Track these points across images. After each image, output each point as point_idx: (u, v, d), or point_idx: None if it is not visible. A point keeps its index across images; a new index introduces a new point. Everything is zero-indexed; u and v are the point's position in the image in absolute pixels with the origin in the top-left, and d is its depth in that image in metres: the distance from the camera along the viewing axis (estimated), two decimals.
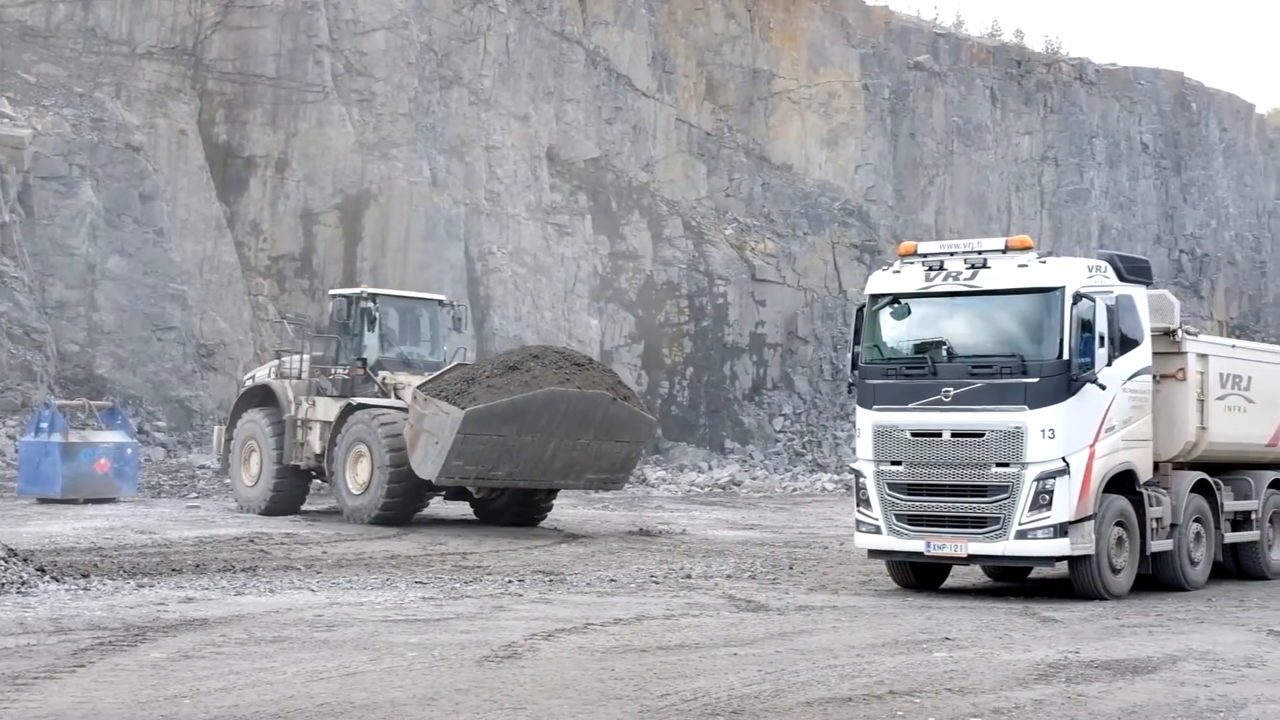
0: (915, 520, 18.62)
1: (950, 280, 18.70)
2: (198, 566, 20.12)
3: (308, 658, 12.89)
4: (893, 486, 18.74)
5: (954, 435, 18.35)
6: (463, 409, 25.80)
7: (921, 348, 18.93)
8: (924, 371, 18.62)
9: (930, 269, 18.89)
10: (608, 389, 27.57)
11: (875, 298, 19.31)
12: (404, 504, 27.68)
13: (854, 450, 19.87)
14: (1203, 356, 20.55)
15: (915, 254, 19.31)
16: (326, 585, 18.54)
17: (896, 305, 19.14)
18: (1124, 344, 18.66)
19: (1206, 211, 72.03)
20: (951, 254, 19.04)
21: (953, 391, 18.32)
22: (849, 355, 19.66)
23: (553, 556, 23.48)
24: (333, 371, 29.74)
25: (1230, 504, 21.05)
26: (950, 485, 18.39)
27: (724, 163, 55.65)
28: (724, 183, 55.49)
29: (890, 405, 18.81)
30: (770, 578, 20.94)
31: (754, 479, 45.74)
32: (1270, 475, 22.10)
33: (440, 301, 31.64)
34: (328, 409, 29.09)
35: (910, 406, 18.63)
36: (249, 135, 42.97)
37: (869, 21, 61.23)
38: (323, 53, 43.81)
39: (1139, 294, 19.36)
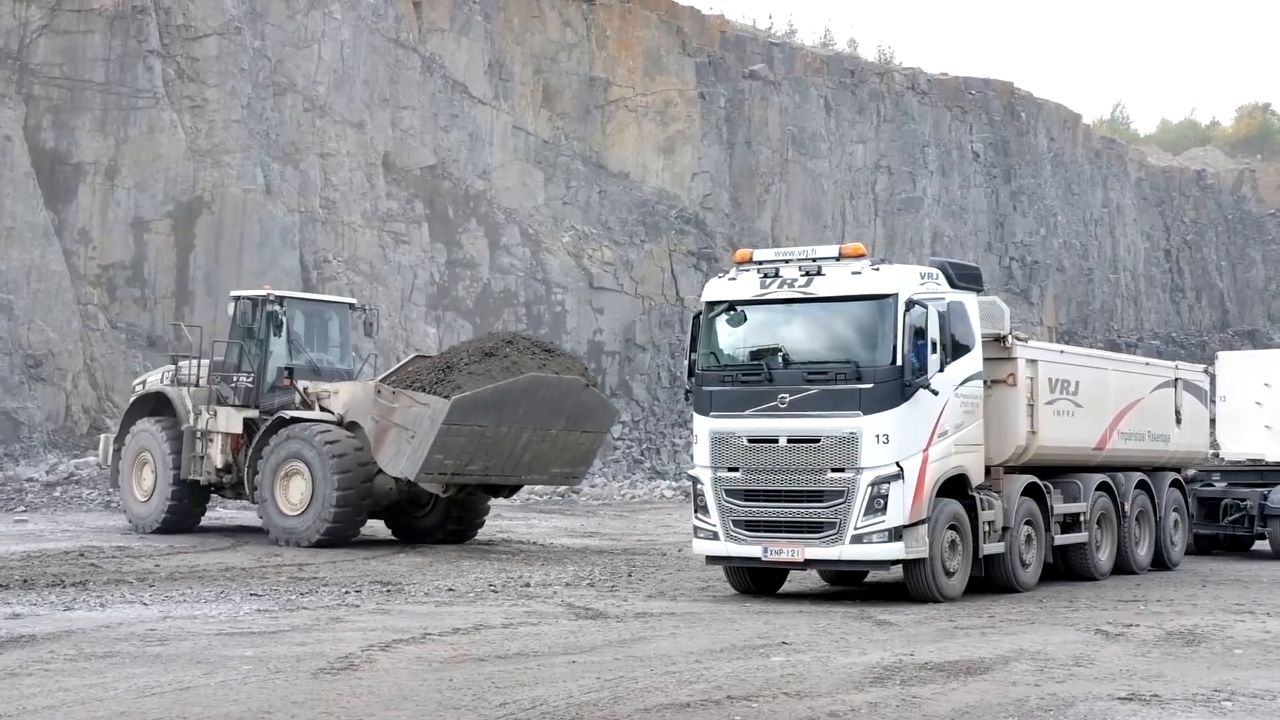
0: (752, 526, 18.73)
1: (785, 287, 18.84)
2: (25, 582, 19.68)
3: (140, 673, 12.67)
4: (730, 493, 18.84)
5: (790, 441, 18.49)
6: (448, 397, 24.83)
7: (757, 354, 19.04)
8: (760, 378, 18.73)
9: (766, 276, 19.03)
10: (579, 375, 26.82)
11: (711, 305, 19.40)
12: (350, 524, 26.35)
13: (692, 457, 19.94)
14: (1032, 362, 20.92)
15: (751, 261, 19.45)
16: (159, 599, 18.24)
17: (732, 312, 19.25)
18: (956, 350, 18.93)
19: (1036, 219, 73.37)
20: (786, 261, 19.20)
21: (789, 398, 18.47)
22: (686, 362, 19.74)
23: (390, 566, 23.31)
24: (235, 379, 28.16)
25: (1060, 507, 21.45)
26: (787, 491, 18.52)
27: (561, 170, 55.63)
28: (561, 190, 55.48)
29: (727, 412, 18.90)
30: (609, 585, 20.96)
31: (593, 486, 45.76)
32: (1098, 478, 22.57)
33: (351, 305, 30.40)
34: (230, 419, 27.76)
35: (747, 413, 18.74)
36: (78, 141, 42.13)
37: (704, 30, 61.57)
38: (153, 58, 43.13)
39: (970, 301, 19.64)
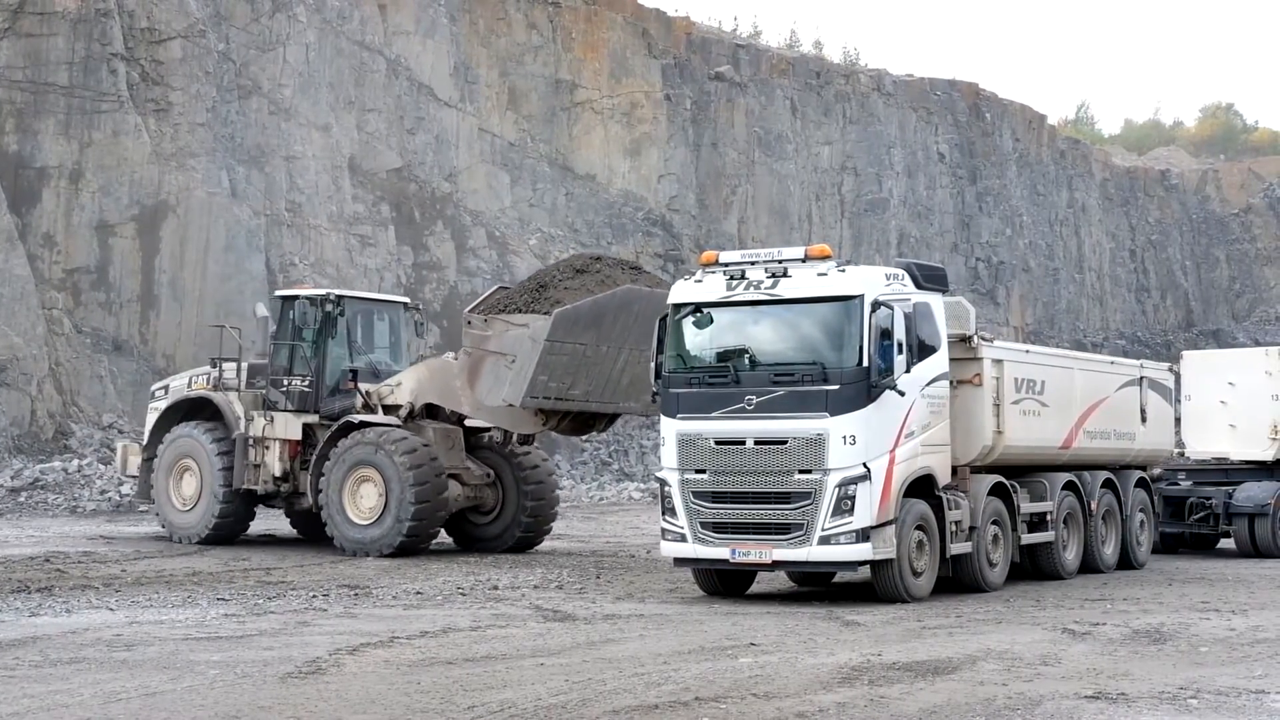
0: (720, 528, 18.72)
1: (751, 289, 18.84)
2: None
3: (106, 678, 12.62)
4: (698, 494, 18.82)
5: (757, 443, 18.48)
6: (548, 313, 23.90)
7: (724, 356, 19.03)
8: (727, 380, 18.72)
9: (732, 278, 19.03)
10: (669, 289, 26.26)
11: (678, 307, 19.39)
12: (426, 532, 25.37)
13: (659, 459, 19.93)
14: (998, 362, 20.94)
15: (717, 263, 19.43)
16: (126, 604, 18.16)
17: (699, 314, 19.23)
18: (922, 350, 18.95)
19: (1001, 220, 73.62)
20: (753, 263, 19.20)
21: (755, 399, 18.47)
22: (653, 364, 19.71)
23: (358, 570, 23.24)
24: (286, 383, 26.85)
25: (1026, 506, 21.48)
26: (754, 492, 18.51)
27: (527, 173, 55.63)
28: (528, 193, 55.46)
29: (694, 414, 18.89)
30: (577, 587, 20.95)
31: (561, 489, 45.63)
32: (1064, 477, 22.61)
33: (405, 305, 29.24)
34: (289, 425, 26.57)
35: (714, 415, 18.72)
36: (41, 145, 41.91)
37: (670, 32, 61.63)
38: (117, 61, 42.95)
39: (936, 301, 19.67)
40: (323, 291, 27.60)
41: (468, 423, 27.03)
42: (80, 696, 11.82)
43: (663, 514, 19.31)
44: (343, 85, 49.83)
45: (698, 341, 19.31)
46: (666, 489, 19.15)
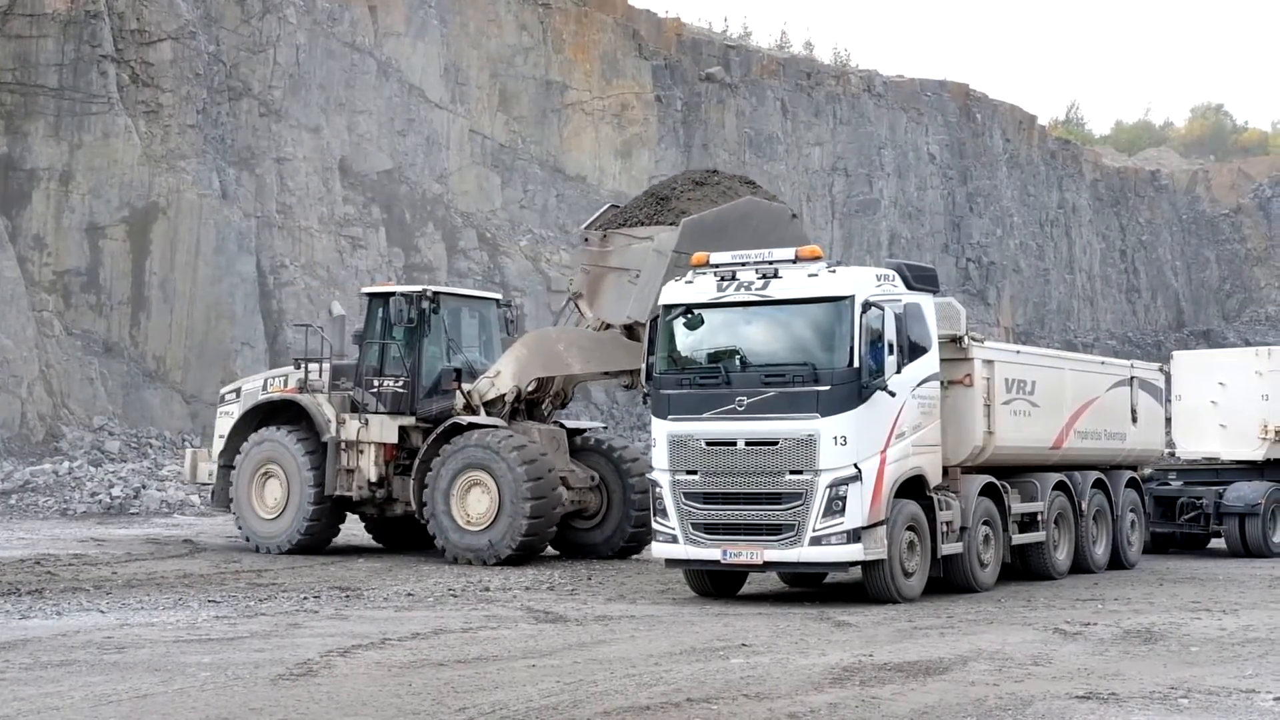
0: (711, 529, 18.71)
1: (742, 290, 18.85)
2: None
3: (97, 681, 12.60)
4: (689, 496, 18.81)
5: (748, 444, 18.47)
6: (674, 224, 23.06)
7: (715, 357, 19.03)
8: (718, 381, 18.71)
9: (723, 279, 19.04)
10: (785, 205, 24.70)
11: (669, 308, 19.40)
12: (544, 535, 24.38)
13: (651, 460, 19.93)
14: (989, 362, 20.95)
15: (708, 264, 19.45)
16: (116, 606, 18.13)
17: (690, 315, 19.24)
18: (913, 351, 18.94)
19: (992, 220, 73.68)
20: (743, 264, 19.21)
21: (746, 400, 18.46)
22: (644, 366, 19.71)
23: (349, 572, 23.23)
24: (379, 384, 25.76)
25: (1017, 506, 21.49)
26: (745, 493, 18.50)
27: (518, 174, 55.63)
28: (518, 194, 55.46)
29: (685, 415, 18.88)
30: (569, 589, 20.94)
31: None
32: (1055, 477, 22.62)
33: (498, 301, 28.22)
34: (386, 428, 25.44)
35: (705, 416, 18.72)
36: (31, 147, 41.85)
37: (660, 34, 61.66)
38: (107, 63, 42.89)
39: (926, 302, 19.68)
40: (419, 288, 26.51)
41: (570, 424, 26.60)
42: (71, 699, 11.80)
43: (654, 515, 19.31)
44: (333, 87, 49.80)
45: (689, 343, 19.32)
46: (658, 490, 19.16)
